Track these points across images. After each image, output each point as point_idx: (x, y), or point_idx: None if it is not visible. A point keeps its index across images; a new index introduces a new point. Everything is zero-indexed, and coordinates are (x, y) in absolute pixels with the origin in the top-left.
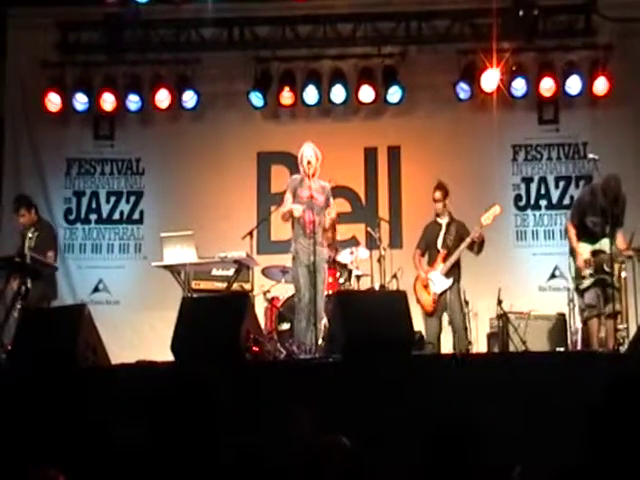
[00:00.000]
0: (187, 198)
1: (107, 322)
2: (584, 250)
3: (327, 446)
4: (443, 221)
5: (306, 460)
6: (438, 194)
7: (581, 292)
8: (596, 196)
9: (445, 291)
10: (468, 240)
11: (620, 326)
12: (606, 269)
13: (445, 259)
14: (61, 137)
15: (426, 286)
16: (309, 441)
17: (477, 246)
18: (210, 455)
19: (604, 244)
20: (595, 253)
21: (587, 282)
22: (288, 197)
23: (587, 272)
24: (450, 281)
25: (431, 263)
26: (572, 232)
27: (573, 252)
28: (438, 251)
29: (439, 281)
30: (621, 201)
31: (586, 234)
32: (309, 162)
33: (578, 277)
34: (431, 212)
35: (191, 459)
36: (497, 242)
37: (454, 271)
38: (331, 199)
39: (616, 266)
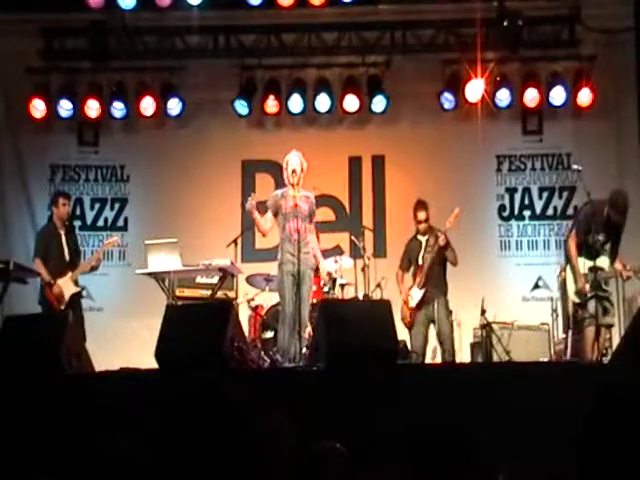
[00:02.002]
0: (172, 205)
1: (91, 329)
2: (582, 267)
3: (324, 453)
4: (423, 238)
5: (301, 467)
6: (422, 214)
7: (580, 305)
8: (602, 212)
9: (422, 303)
10: (435, 248)
11: (605, 336)
12: (603, 287)
13: (421, 271)
14: (45, 143)
15: (406, 302)
16: (292, 449)
17: (449, 254)
18: (198, 465)
19: (602, 262)
20: (592, 270)
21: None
22: (269, 215)
23: (587, 289)
24: (422, 292)
25: (413, 278)
26: (574, 251)
27: (573, 271)
28: (419, 265)
29: (416, 295)
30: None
31: (585, 250)
32: (294, 171)
33: (579, 295)
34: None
35: (179, 468)
36: (481, 252)
37: (439, 284)
38: (314, 210)
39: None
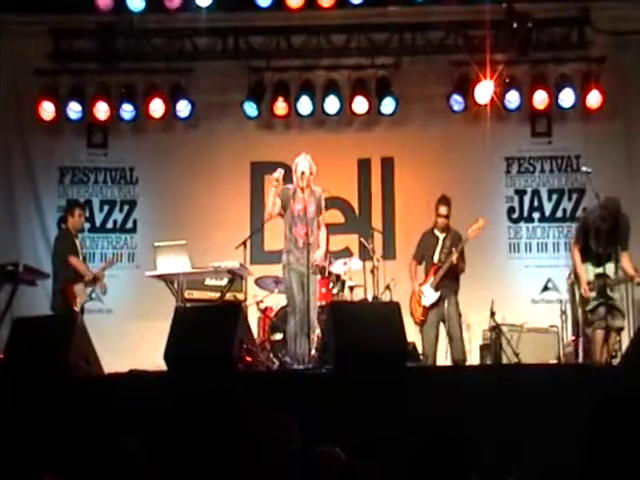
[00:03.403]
0: (181, 207)
1: (100, 331)
2: (587, 273)
3: (321, 458)
4: (441, 235)
5: (298, 470)
6: (444, 209)
7: (589, 312)
8: (596, 219)
9: (434, 304)
10: (450, 260)
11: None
12: (609, 294)
13: (436, 272)
14: (54, 145)
15: (419, 298)
16: (299, 451)
17: (460, 265)
18: (205, 464)
19: (609, 268)
20: (599, 276)
21: (593, 304)
22: (277, 201)
23: (591, 295)
24: (438, 294)
25: (425, 275)
26: (577, 256)
27: (577, 277)
28: (434, 264)
29: (429, 294)
30: (623, 225)
31: (591, 256)
32: (303, 173)
33: (583, 302)
34: (424, 223)
35: (187, 468)
36: (490, 254)
37: (451, 283)
38: (322, 204)
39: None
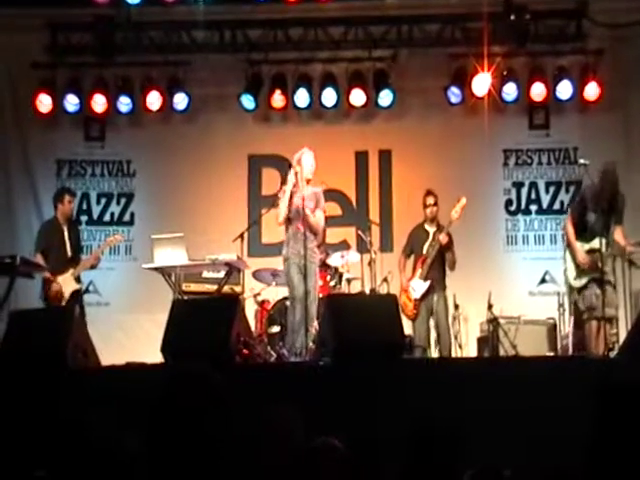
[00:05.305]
0: (178, 200)
1: (97, 323)
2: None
3: (321, 449)
4: (431, 229)
5: (299, 463)
6: (431, 200)
7: (579, 291)
8: (596, 189)
9: (425, 295)
10: (438, 244)
11: (611, 331)
12: (599, 266)
13: (423, 262)
14: (51, 138)
15: (407, 292)
16: (299, 445)
17: (448, 256)
18: (203, 458)
19: (601, 243)
20: (590, 252)
21: (584, 280)
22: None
23: (587, 260)
24: (427, 284)
25: (413, 269)
26: (570, 229)
27: (571, 249)
28: (421, 255)
29: (418, 286)
30: (620, 198)
31: (583, 232)
32: (311, 166)
33: (578, 275)
34: (422, 216)
35: (183, 463)
36: (487, 246)
37: (439, 278)
38: (322, 203)
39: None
